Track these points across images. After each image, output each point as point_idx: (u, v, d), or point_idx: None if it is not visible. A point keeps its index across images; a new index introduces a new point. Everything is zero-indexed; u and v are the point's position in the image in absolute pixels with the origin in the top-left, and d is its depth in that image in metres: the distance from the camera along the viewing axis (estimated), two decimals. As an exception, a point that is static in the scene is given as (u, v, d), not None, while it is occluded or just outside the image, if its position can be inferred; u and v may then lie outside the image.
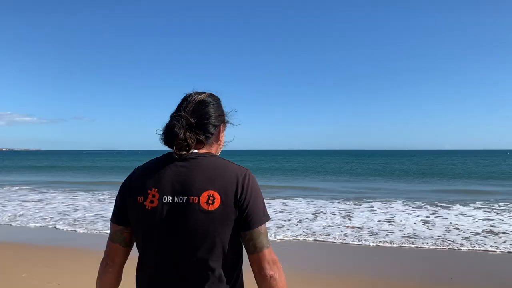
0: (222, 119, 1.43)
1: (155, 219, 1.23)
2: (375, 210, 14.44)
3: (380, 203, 16.26)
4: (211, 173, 1.25)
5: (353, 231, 10.37)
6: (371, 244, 8.94)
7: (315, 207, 15.09)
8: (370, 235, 9.81)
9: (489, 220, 12.15)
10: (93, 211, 13.63)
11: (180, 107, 1.35)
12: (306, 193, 20.76)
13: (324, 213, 13.58)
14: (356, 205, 15.81)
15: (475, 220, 12.05)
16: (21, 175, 33.82)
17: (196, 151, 1.32)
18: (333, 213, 13.53)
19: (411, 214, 13.42)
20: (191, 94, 1.39)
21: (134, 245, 1.42)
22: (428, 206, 15.42)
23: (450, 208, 14.88)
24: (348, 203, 16.33)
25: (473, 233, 10.01)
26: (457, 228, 10.65)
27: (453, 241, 9.11)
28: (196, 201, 1.21)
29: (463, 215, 13.20)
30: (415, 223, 11.64)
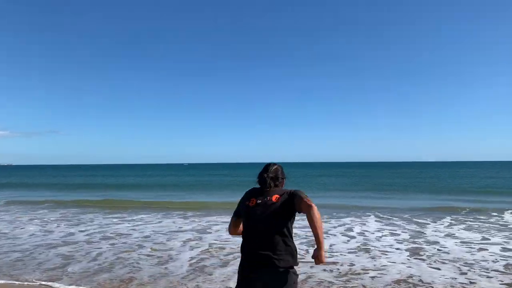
0: (283, 177, 2.80)
1: (253, 210, 2.57)
2: (351, 230, 11.35)
3: (355, 220, 13.54)
4: (277, 191, 2.62)
5: (324, 269, 7.00)
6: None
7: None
8: (351, 279, 6.45)
9: (490, 244, 9.10)
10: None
11: (266, 169, 2.70)
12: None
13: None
14: (327, 223, 12.60)
15: (480, 247, 8.95)
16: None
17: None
18: (298, 236, 10.21)
19: (393, 237, 10.29)
20: (270, 164, 2.75)
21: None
22: (405, 223, 12.79)
23: (430, 228, 11.96)
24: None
25: (499, 272, 6.83)
26: (470, 264, 7.44)
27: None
28: (269, 199, 2.56)
29: (456, 238, 10.25)
30: (399, 250, 8.47)
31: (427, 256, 8.13)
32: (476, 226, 12.31)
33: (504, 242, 9.67)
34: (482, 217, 14.22)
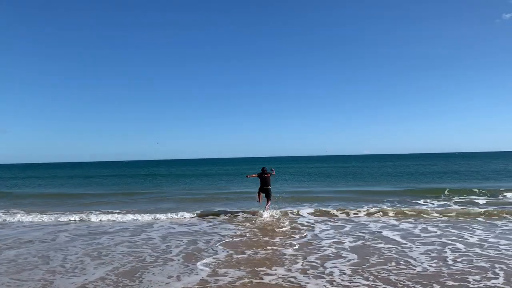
0: (270, 168, 12.85)
1: (262, 177, 12.13)
2: (295, 222, 9.18)
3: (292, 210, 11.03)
4: (267, 172, 12.29)
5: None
6: None
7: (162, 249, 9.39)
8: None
9: (437, 236, 7.45)
10: None
11: (263, 168, 12.34)
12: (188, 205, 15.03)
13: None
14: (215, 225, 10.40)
15: (439, 242, 7.22)
16: None
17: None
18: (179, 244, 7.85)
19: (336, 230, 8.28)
20: (265, 166, 12.55)
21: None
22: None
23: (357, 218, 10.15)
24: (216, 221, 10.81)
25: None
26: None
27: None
28: (266, 175, 12.15)
29: (398, 230, 8.44)
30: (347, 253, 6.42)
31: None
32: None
33: (443, 231, 8.18)
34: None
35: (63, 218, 12.10)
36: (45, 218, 12.28)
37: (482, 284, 5.14)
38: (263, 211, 11.88)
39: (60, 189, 25.80)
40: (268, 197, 12.08)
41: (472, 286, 5.10)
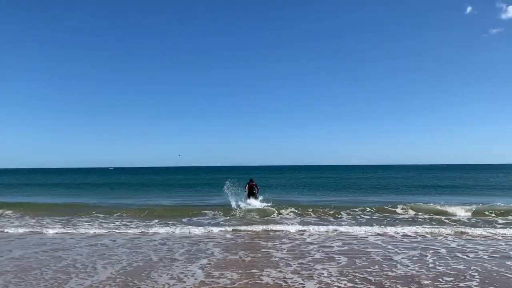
0: (252, 179, 18.81)
1: (250, 186, 17.77)
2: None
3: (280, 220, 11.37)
4: (254, 182, 18.17)
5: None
6: None
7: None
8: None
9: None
10: None
11: (251, 179, 18.44)
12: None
13: None
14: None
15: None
16: None
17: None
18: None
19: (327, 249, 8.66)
20: (252, 178, 18.84)
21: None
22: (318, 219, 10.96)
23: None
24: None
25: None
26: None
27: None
28: (253, 185, 17.91)
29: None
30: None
31: None
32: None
33: (422, 238, 8.55)
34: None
35: (59, 229, 12.25)
36: (39, 228, 12.41)
37: (452, 285, 5.66)
38: (250, 202, 16.97)
39: (50, 198, 24.76)
40: (254, 197, 17.45)
41: (444, 286, 5.61)
